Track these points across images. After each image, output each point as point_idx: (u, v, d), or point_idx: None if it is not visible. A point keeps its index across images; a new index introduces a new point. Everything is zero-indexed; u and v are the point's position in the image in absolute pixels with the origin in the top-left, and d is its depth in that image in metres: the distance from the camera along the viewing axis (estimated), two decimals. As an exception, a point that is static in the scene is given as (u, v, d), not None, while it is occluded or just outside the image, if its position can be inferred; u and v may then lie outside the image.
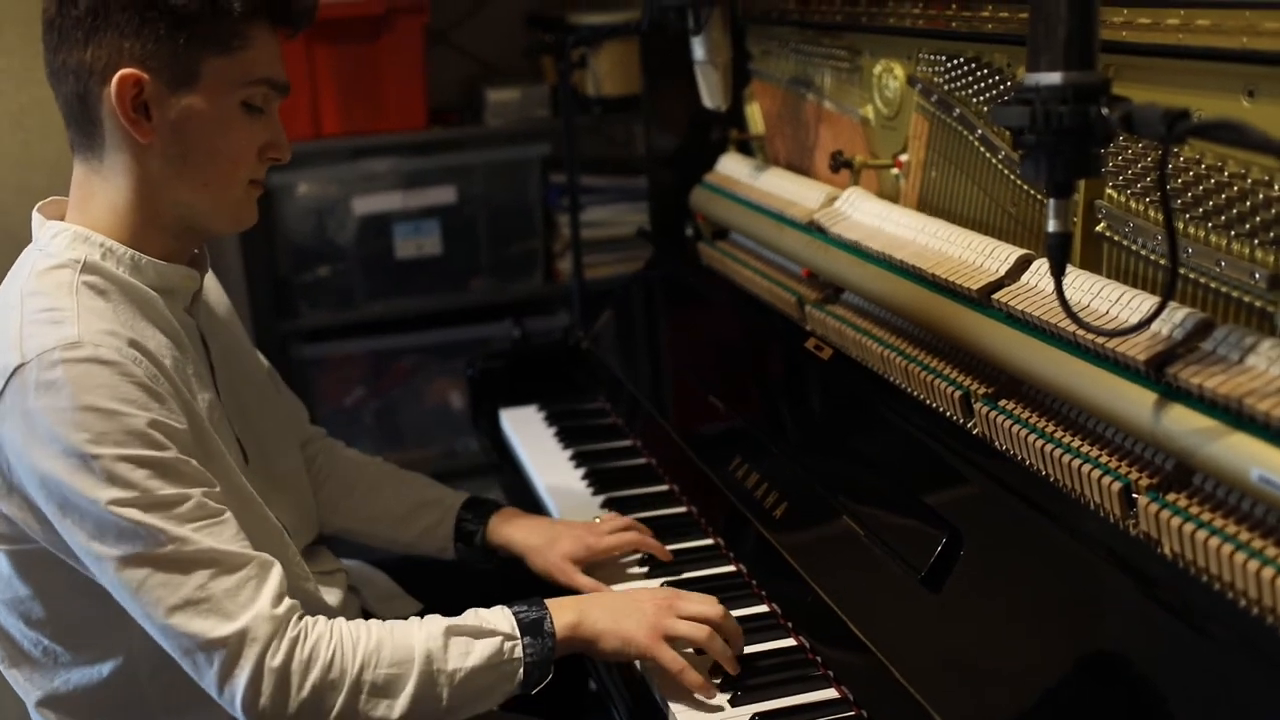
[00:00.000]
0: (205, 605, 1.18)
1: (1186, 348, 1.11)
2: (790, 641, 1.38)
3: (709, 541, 1.64)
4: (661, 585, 1.50)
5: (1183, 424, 1.06)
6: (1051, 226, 1.05)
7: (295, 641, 1.20)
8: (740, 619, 1.42)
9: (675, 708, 1.28)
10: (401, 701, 1.22)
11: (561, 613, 1.31)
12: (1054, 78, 0.98)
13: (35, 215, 1.34)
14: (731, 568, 1.56)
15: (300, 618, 1.23)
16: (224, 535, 1.21)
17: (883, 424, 1.50)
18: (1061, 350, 1.23)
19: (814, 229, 1.77)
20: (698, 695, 1.28)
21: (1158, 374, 1.11)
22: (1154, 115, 0.89)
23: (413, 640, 1.24)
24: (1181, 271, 1.23)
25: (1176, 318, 1.13)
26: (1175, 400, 1.08)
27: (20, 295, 1.24)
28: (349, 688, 1.21)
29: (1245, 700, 0.95)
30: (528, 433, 2.09)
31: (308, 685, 1.20)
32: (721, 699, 1.28)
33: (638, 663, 1.36)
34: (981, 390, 1.37)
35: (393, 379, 3.03)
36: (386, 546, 1.70)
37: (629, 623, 1.31)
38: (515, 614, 1.30)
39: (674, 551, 1.60)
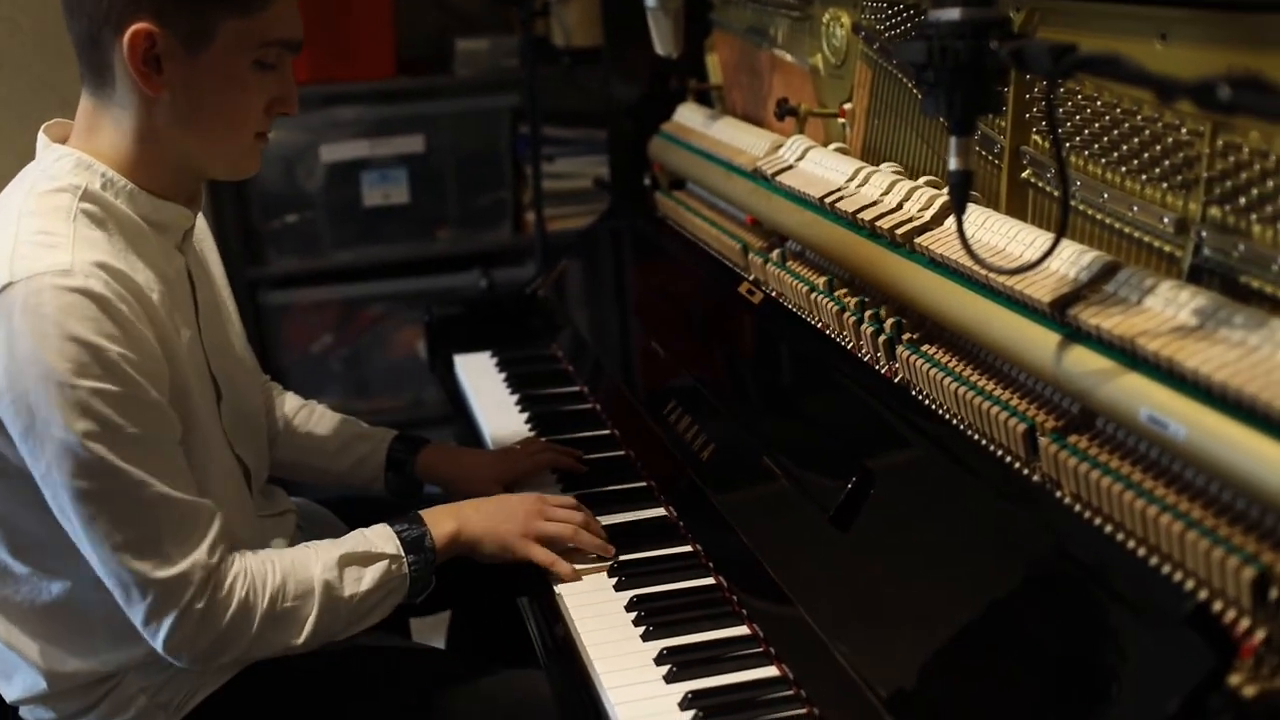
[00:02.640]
0: (150, 547, 1.23)
1: (1090, 290, 1.11)
2: (709, 580, 1.40)
3: (643, 484, 1.65)
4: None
5: (1082, 365, 1.07)
6: (953, 164, 1.05)
7: (218, 585, 1.27)
8: (664, 559, 1.44)
9: (567, 599, 1.40)
10: (306, 628, 1.31)
11: (440, 524, 1.41)
12: (953, 14, 0.98)
13: (41, 135, 1.35)
14: (662, 510, 1.57)
15: (223, 562, 1.28)
16: (177, 480, 1.25)
17: (811, 369, 1.50)
18: (976, 293, 1.23)
19: (758, 176, 1.77)
20: (568, 578, 1.41)
21: (1060, 315, 1.11)
22: (1041, 50, 0.89)
23: (312, 573, 1.32)
24: (1096, 216, 1.23)
25: (1084, 260, 1.13)
26: (1076, 342, 1.09)
27: (17, 213, 1.25)
28: (260, 620, 1.29)
29: (1138, 641, 0.97)
30: (479, 378, 2.10)
31: (224, 622, 1.27)
32: (605, 581, 1.41)
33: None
34: (906, 335, 1.38)
35: (359, 327, 3.04)
36: (317, 480, 1.73)
37: (504, 526, 1.43)
38: (398, 533, 1.39)
39: (609, 494, 1.61)
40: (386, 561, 1.36)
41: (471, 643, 1.95)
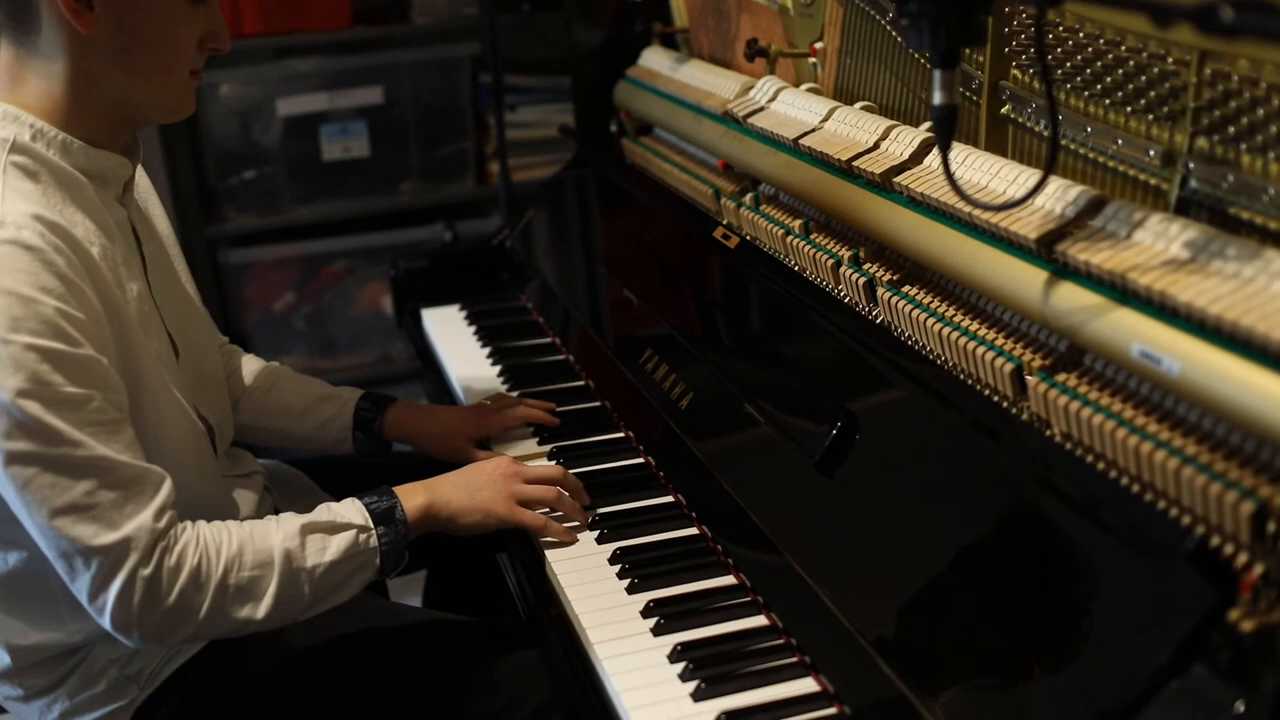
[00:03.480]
0: (90, 512, 1.17)
1: (1077, 225, 1.09)
2: (692, 530, 1.38)
3: (620, 435, 1.62)
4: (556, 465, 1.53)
5: (1070, 302, 1.05)
6: (937, 98, 1.02)
7: (165, 550, 1.20)
8: (646, 509, 1.43)
9: (550, 554, 1.37)
10: (266, 601, 1.24)
11: (411, 498, 1.35)
12: (938, -60, 0.95)
13: None
14: (640, 459, 1.55)
15: (171, 529, 1.22)
16: (118, 443, 1.19)
17: (789, 314, 1.48)
18: (959, 232, 1.21)
19: (729, 119, 1.73)
20: (563, 540, 1.39)
21: (1047, 251, 1.09)
22: (1031, -25, 0.86)
23: (271, 542, 1.25)
24: (1080, 150, 1.21)
25: (1069, 195, 1.11)
26: (1064, 278, 1.07)
27: None
28: (214, 592, 1.22)
29: (1136, 578, 0.96)
30: (448, 331, 2.07)
31: (175, 591, 1.20)
32: (587, 534, 1.39)
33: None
34: (886, 276, 1.36)
35: (323, 284, 2.99)
36: (283, 443, 1.69)
37: (483, 495, 1.38)
38: (366, 505, 1.33)
39: (585, 445, 1.59)
40: (354, 532, 1.30)
41: (448, 599, 1.93)
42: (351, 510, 1.32)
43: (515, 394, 1.75)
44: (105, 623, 1.19)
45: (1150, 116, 1.11)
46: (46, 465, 1.15)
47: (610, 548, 1.35)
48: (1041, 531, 1.05)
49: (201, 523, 1.25)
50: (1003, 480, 1.12)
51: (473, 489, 1.39)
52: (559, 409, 1.68)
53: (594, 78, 2.27)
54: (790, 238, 1.52)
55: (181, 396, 1.35)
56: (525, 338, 1.98)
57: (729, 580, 1.28)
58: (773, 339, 1.50)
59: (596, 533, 1.38)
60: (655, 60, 2.10)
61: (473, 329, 2.05)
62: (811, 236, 1.48)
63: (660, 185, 1.98)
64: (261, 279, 2.93)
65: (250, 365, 1.70)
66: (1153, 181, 1.12)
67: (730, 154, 1.73)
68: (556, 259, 2.19)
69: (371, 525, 1.31)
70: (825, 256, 1.43)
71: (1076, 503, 1.04)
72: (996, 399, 1.16)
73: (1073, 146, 1.22)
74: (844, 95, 1.65)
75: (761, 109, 1.67)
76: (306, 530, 1.28)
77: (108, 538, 1.16)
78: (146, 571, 1.18)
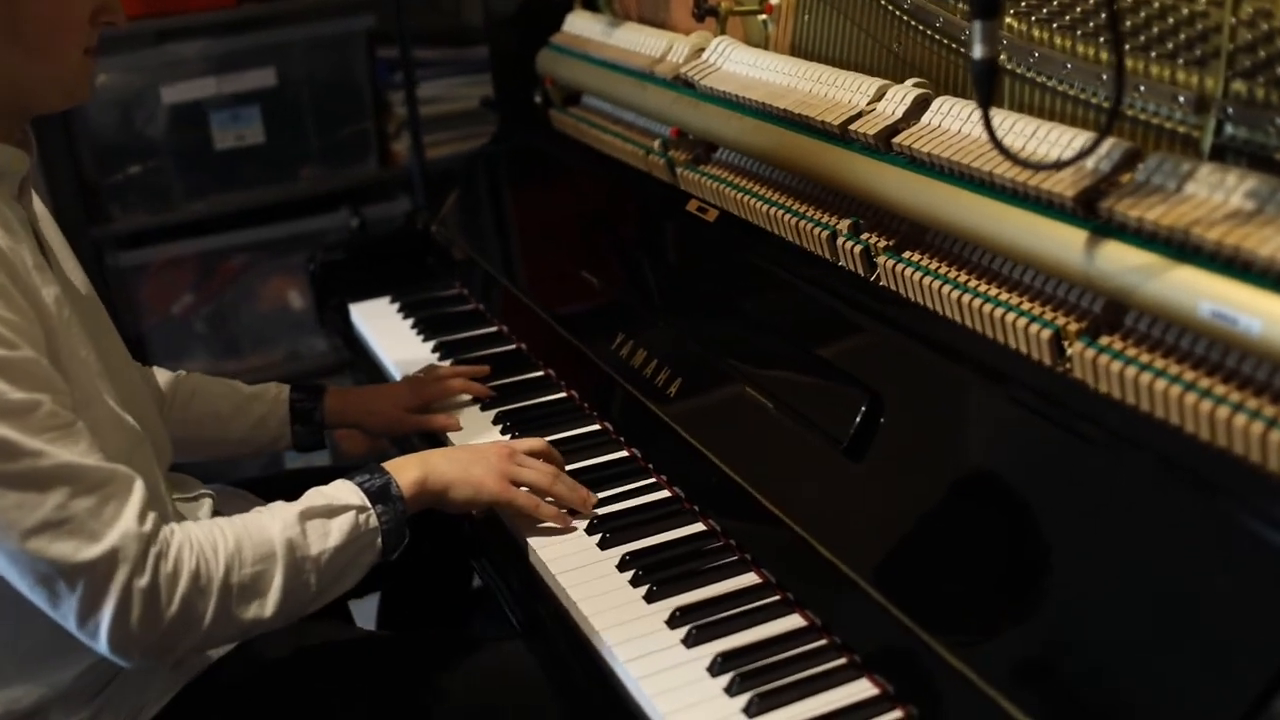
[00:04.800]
0: (67, 527, 1.03)
1: (1114, 181, 1.03)
2: (698, 526, 1.29)
3: (595, 427, 1.53)
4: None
5: (1119, 262, 0.99)
6: (977, 52, 0.94)
7: (159, 556, 1.08)
8: (642, 507, 1.34)
9: (534, 542, 1.30)
10: (272, 597, 1.13)
11: (404, 472, 1.27)
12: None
13: None
14: (624, 453, 1.46)
15: (158, 530, 1.10)
16: (79, 447, 1.06)
17: (776, 286, 1.40)
18: (977, 193, 1.14)
19: (681, 84, 1.64)
20: (555, 526, 1.32)
21: (1088, 210, 1.03)
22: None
23: (270, 533, 1.15)
24: (1093, 100, 1.15)
25: (1102, 149, 1.05)
26: (1108, 237, 1.01)
27: None
28: (218, 595, 1.10)
29: (1192, 549, 0.90)
30: (383, 327, 1.94)
31: (176, 599, 1.08)
32: (578, 524, 1.32)
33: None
34: (882, 243, 1.29)
35: (223, 282, 2.80)
36: (214, 453, 1.59)
37: (476, 470, 1.31)
38: (360, 484, 1.24)
39: (558, 441, 1.48)
40: (353, 513, 1.20)
41: (406, 622, 1.80)
42: (346, 491, 1.23)
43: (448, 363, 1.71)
44: (101, 645, 1.07)
45: (1179, 61, 1.05)
46: (8, 483, 1.02)
47: (618, 552, 1.25)
48: (1092, 501, 0.99)
49: (187, 522, 1.13)
50: (1046, 448, 1.05)
51: (465, 463, 1.32)
52: (521, 404, 1.59)
53: (513, 47, 2.15)
54: (766, 207, 1.43)
55: (118, 408, 1.21)
56: (469, 328, 1.87)
57: (751, 579, 1.20)
58: (758, 313, 1.41)
59: (597, 537, 1.29)
60: (583, 25, 1.99)
61: (410, 322, 1.92)
62: (796, 206, 1.40)
63: (601, 156, 1.87)
64: (155, 281, 2.74)
65: (160, 378, 1.57)
66: (1181, 130, 1.07)
67: (685, 120, 1.64)
68: (493, 241, 2.07)
69: (369, 504, 1.22)
70: (809, 225, 1.35)
71: (1126, 468, 0.98)
72: (1031, 361, 1.09)
73: (1082, 96, 1.16)
74: (802, 53, 1.57)
75: (719, 71, 1.58)
76: (305, 516, 1.17)
77: (91, 551, 1.04)
78: (143, 582, 1.05)
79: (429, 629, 1.73)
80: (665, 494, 1.36)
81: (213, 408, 1.56)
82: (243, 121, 2.67)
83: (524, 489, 1.32)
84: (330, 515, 1.19)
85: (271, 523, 1.16)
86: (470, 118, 2.68)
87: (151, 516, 1.09)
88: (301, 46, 2.67)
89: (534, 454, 1.37)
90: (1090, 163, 1.05)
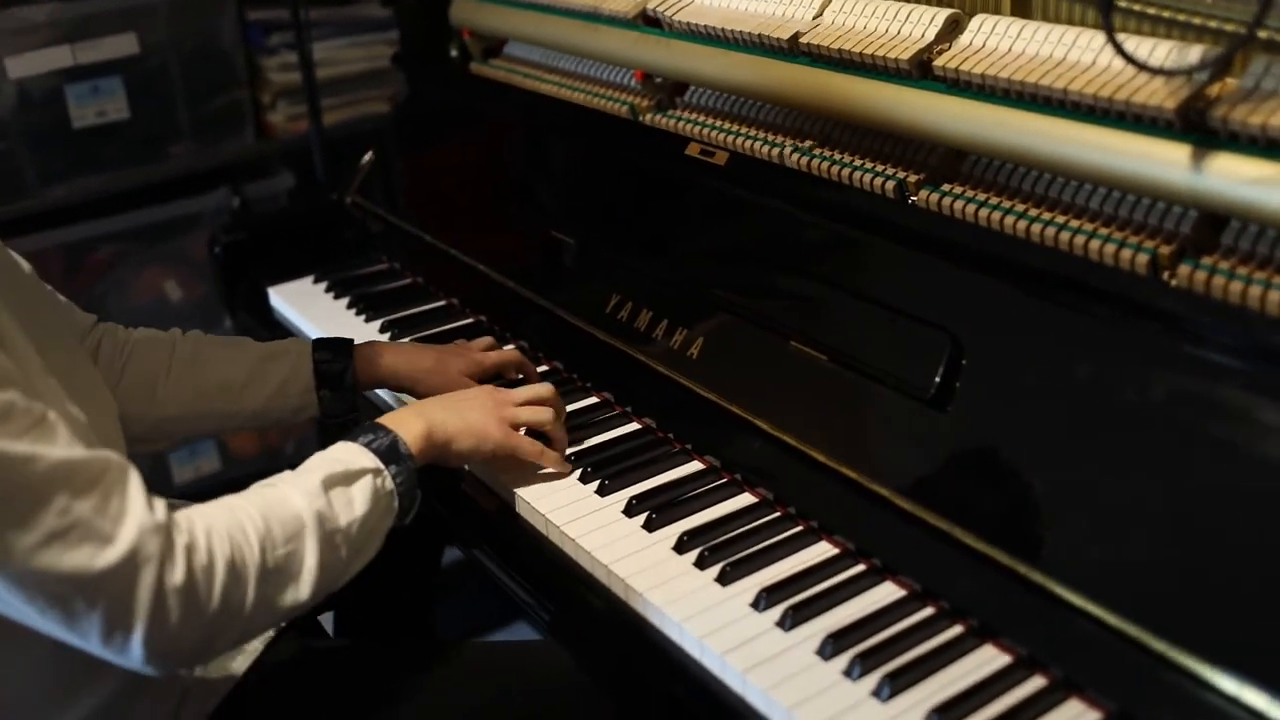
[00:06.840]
0: (75, 533, 0.89)
1: (1215, 89, 0.97)
2: (748, 498, 1.19)
3: (594, 400, 1.41)
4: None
5: (1234, 174, 0.93)
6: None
7: (189, 548, 0.93)
8: (675, 482, 1.23)
9: (521, 493, 1.23)
10: (307, 576, 1.01)
11: (407, 427, 1.16)
12: None
13: None
14: (636, 425, 1.34)
15: (171, 516, 0.95)
16: (63, 439, 0.91)
17: (797, 228, 1.30)
18: (1044, 115, 1.06)
19: (648, 23, 1.52)
20: (554, 471, 1.25)
21: (1184, 123, 0.96)
22: None
23: (296, 507, 1.02)
24: (1148, 11, 1.08)
25: (1191, 57, 0.98)
26: (1217, 149, 0.94)
27: None
28: (255, 580, 0.98)
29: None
30: (314, 310, 1.76)
31: (216, 593, 0.95)
32: (572, 478, 1.25)
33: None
34: (913, 179, 1.20)
35: (90, 275, 2.55)
36: (222, 426, 1.37)
37: (475, 418, 1.21)
38: (367, 444, 1.12)
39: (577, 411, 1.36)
40: (370, 476, 1.09)
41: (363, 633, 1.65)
42: (355, 453, 1.11)
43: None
44: (133, 657, 0.92)
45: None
46: (4, 499, 0.87)
47: (674, 532, 1.14)
48: (1202, 427, 0.93)
49: (197, 506, 0.99)
50: (1155, 372, 0.99)
51: (461, 411, 1.21)
52: (504, 381, 1.45)
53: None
54: (770, 149, 1.33)
55: (76, 410, 1.03)
56: (414, 304, 1.71)
57: (827, 549, 1.10)
58: (778, 258, 1.31)
59: (643, 517, 1.17)
60: (507, -31, 1.84)
61: (344, 302, 1.76)
62: (812, 148, 1.30)
63: (540, 106, 1.73)
64: (14, 277, 2.47)
65: (152, 343, 1.38)
66: (1263, 34, 1.01)
67: (653, 62, 1.52)
68: (430, 208, 1.89)
69: (383, 465, 1.11)
70: (826, 164, 1.26)
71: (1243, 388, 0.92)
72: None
73: (1138, 8, 1.09)
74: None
75: (693, 5, 1.47)
76: (327, 485, 1.05)
77: (109, 555, 0.89)
78: (177, 579, 0.92)
79: (430, 637, 1.59)
80: (698, 465, 1.25)
81: (225, 375, 1.35)
82: (103, 95, 2.41)
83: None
84: (349, 482, 1.08)
85: (294, 495, 1.03)
86: (367, 80, 2.50)
87: (159, 501, 0.94)
88: (164, 9, 2.43)
89: (536, 401, 1.27)
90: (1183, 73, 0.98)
